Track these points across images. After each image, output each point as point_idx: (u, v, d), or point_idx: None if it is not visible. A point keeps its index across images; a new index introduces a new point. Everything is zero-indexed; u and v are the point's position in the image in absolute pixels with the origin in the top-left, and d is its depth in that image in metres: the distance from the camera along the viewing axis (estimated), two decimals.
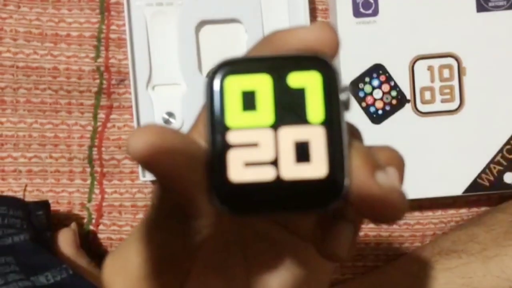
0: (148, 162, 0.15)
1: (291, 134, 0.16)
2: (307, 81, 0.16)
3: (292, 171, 0.16)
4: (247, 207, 0.16)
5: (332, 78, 0.16)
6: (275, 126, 0.16)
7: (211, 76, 0.16)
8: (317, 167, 0.16)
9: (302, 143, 0.16)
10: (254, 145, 0.16)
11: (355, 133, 0.20)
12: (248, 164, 0.16)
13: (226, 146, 0.16)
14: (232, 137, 0.16)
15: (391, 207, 0.16)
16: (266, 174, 0.16)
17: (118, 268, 0.18)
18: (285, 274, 0.20)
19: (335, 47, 0.17)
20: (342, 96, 0.16)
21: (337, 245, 0.18)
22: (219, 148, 0.16)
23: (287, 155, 0.16)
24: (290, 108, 0.16)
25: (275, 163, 0.16)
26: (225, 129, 0.16)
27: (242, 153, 0.16)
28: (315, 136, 0.16)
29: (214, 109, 0.16)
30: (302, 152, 0.16)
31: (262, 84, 0.16)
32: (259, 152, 0.16)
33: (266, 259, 0.20)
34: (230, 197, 0.16)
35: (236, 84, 0.16)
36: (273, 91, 0.16)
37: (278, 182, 0.16)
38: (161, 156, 0.15)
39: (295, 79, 0.16)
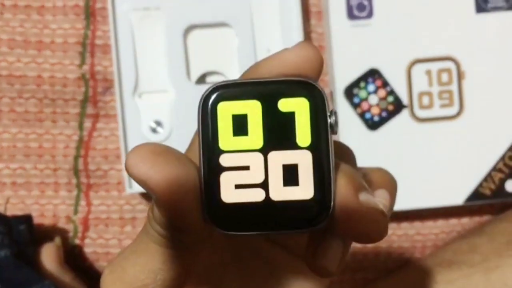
0: (156, 192, 0.16)
1: (279, 157, 0.17)
2: (296, 106, 0.17)
3: (280, 193, 0.17)
4: (238, 226, 0.17)
5: (319, 102, 0.17)
6: (265, 150, 0.17)
7: (203, 101, 0.17)
8: (304, 189, 0.17)
9: (290, 166, 0.17)
10: (245, 168, 0.17)
11: (347, 153, 0.21)
12: (239, 186, 0.17)
13: (219, 169, 0.17)
14: (224, 160, 0.17)
15: (371, 227, 0.17)
16: (256, 196, 0.17)
17: (115, 278, 0.19)
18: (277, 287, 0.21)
19: (319, 65, 0.18)
20: (330, 120, 0.17)
21: (327, 260, 0.19)
22: (212, 170, 0.17)
23: (276, 177, 0.17)
24: (279, 133, 0.17)
25: (265, 185, 0.17)
26: (218, 152, 0.17)
27: (233, 176, 0.17)
28: (303, 160, 0.17)
29: (208, 133, 0.17)
30: (290, 175, 0.17)
31: (252, 110, 0.17)
32: (250, 174, 0.17)
33: (261, 276, 0.21)
34: (222, 216, 0.17)
35: (228, 110, 0.17)
36: (263, 116, 0.17)
37: (268, 203, 0.17)
38: (170, 185, 0.16)
39: (284, 105, 0.17)
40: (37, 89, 0.41)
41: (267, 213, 0.17)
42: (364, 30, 0.39)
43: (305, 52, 0.18)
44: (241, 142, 0.17)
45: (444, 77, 0.40)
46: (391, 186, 0.20)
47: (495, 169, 0.39)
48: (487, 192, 0.40)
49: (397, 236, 0.42)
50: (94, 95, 0.41)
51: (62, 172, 0.41)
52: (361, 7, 0.39)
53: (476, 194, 0.39)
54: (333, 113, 0.17)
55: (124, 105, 0.39)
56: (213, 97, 0.17)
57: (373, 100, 0.40)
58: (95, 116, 0.41)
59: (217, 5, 0.39)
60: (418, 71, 0.39)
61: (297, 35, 0.39)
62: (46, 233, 0.40)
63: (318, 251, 0.19)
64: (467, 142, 0.39)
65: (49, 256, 0.37)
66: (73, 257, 0.41)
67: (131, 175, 0.17)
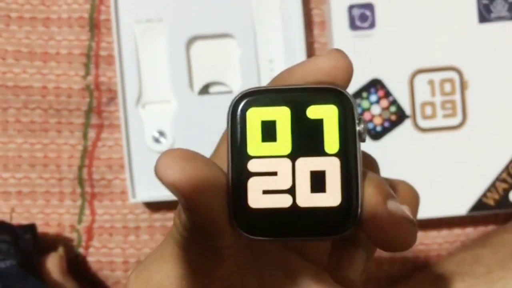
0: (185, 196, 0.16)
1: (307, 164, 0.17)
2: (325, 113, 0.17)
3: (307, 199, 0.17)
4: (264, 231, 0.17)
5: (348, 110, 0.17)
6: (293, 156, 0.17)
7: (233, 107, 0.18)
8: (331, 196, 0.17)
9: (318, 172, 0.17)
10: (273, 173, 0.17)
11: (372, 163, 0.21)
12: (266, 192, 0.17)
13: (247, 174, 0.17)
14: (252, 166, 0.17)
15: (401, 235, 0.17)
16: (283, 202, 0.17)
17: (141, 283, 0.19)
18: None
19: (349, 73, 0.18)
20: (359, 127, 0.17)
21: (350, 269, 0.19)
22: (240, 175, 0.17)
23: (303, 184, 0.17)
24: (307, 139, 0.17)
25: (292, 191, 0.17)
26: (247, 157, 0.17)
27: (261, 181, 0.17)
28: (330, 166, 0.17)
29: (237, 138, 0.17)
30: (318, 181, 0.17)
31: (281, 116, 0.17)
32: (277, 180, 0.17)
33: (279, 282, 0.21)
34: (248, 221, 0.17)
35: (257, 116, 0.17)
36: (292, 123, 0.17)
37: (294, 209, 0.17)
38: (198, 189, 0.16)
39: (313, 112, 0.17)
40: (42, 99, 0.42)
41: (294, 220, 0.17)
42: (367, 40, 0.39)
43: (336, 59, 0.18)
44: (270, 148, 0.17)
45: (447, 87, 0.39)
46: (414, 198, 0.20)
47: (499, 179, 0.39)
48: (491, 202, 0.39)
49: None
50: (99, 105, 0.42)
51: (66, 182, 0.42)
52: (363, 17, 0.39)
53: (480, 204, 0.39)
54: (362, 120, 0.17)
55: (127, 115, 0.39)
56: (242, 103, 0.17)
57: (376, 110, 0.40)
58: (100, 126, 0.42)
59: (219, 16, 0.40)
60: (421, 81, 0.39)
61: (299, 46, 0.39)
62: (50, 242, 0.41)
63: (342, 261, 0.19)
64: (470, 152, 0.39)
65: (53, 266, 0.38)
66: (77, 265, 0.41)
67: (160, 179, 0.17)
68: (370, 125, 0.40)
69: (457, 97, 0.39)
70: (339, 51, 0.18)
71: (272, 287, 0.21)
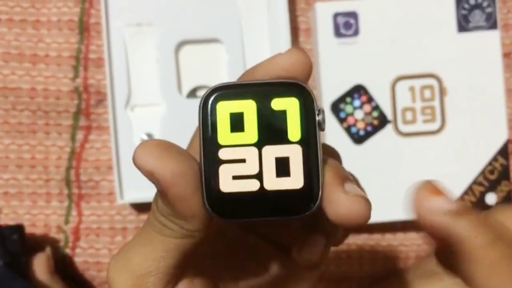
0: (161, 182, 0.18)
1: (273, 151, 0.19)
2: (287, 105, 0.19)
3: (273, 183, 0.19)
4: (235, 213, 0.19)
5: (308, 102, 0.19)
6: (259, 145, 0.19)
7: (204, 101, 0.19)
8: (295, 180, 0.19)
9: (282, 159, 0.19)
10: (242, 161, 0.19)
11: (332, 153, 0.23)
12: (236, 177, 0.19)
13: (218, 161, 0.19)
14: (222, 154, 0.19)
15: (356, 212, 0.18)
16: (251, 186, 0.19)
17: (121, 266, 0.20)
18: (267, 280, 0.23)
19: (308, 68, 0.20)
20: (318, 118, 0.19)
21: (311, 252, 0.22)
22: (211, 163, 0.19)
23: (270, 169, 0.19)
24: (272, 129, 0.19)
25: (259, 176, 0.19)
26: (217, 147, 0.19)
27: (231, 168, 0.19)
28: (294, 153, 0.19)
29: (208, 129, 0.19)
30: (283, 167, 0.19)
31: (248, 108, 0.19)
32: (246, 167, 0.19)
33: (247, 264, 0.23)
34: (221, 205, 0.19)
35: (226, 108, 0.19)
36: (258, 114, 0.19)
37: (262, 192, 0.19)
38: (173, 176, 0.18)
39: (277, 104, 0.19)
40: (31, 101, 0.42)
41: (262, 202, 0.19)
42: (350, 47, 0.41)
43: (295, 56, 0.19)
44: (238, 137, 0.19)
45: (427, 93, 0.41)
46: (359, 185, 0.23)
47: (475, 182, 0.41)
48: (468, 204, 0.41)
49: (381, 247, 0.43)
50: (87, 107, 0.42)
51: (54, 183, 0.42)
52: (347, 25, 0.41)
53: None
54: (321, 111, 0.19)
55: (116, 117, 0.40)
56: (212, 97, 0.19)
57: (359, 115, 0.41)
58: (88, 128, 0.42)
59: (208, 22, 0.41)
60: (402, 87, 0.41)
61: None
62: (37, 243, 0.41)
63: (304, 246, 0.21)
64: (448, 156, 0.41)
65: (40, 266, 0.38)
66: (64, 266, 0.42)
67: (138, 167, 0.18)
68: (353, 129, 0.41)
69: (436, 103, 0.41)
70: (298, 49, 0.20)
71: (242, 271, 0.23)
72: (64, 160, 0.42)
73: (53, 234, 0.42)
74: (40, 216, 0.42)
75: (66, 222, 0.42)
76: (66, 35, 0.42)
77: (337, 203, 0.18)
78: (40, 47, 0.42)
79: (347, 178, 0.19)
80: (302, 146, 0.19)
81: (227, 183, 0.19)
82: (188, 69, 0.41)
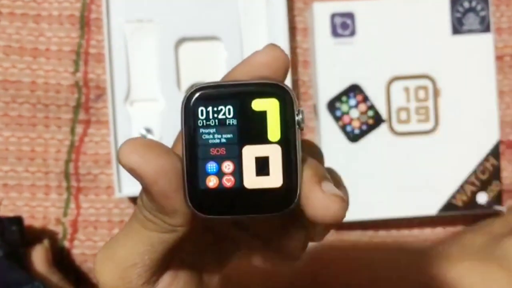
0: (144, 179, 0.19)
1: (252, 151, 0.19)
2: (268, 106, 0.19)
3: (253, 181, 0.19)
4: (215, 210, 0.19)
5: (288, 102, 0.19)
6: (240, 143, 0.19)
7: (186, 100, 0.19)
8: (274, 179, 0.19)
9: (262, 158, 0.19)
10: (223, 159, 0.19)
11: (313, 150, 0.24)
12: (217, 175, 0.19)
13: (200, 159, 0.19)
14: (204, 152, 0.19)
15: (332, 210, 0.19)
16: (231, 183, 0.19)
17: (107, 259, 0.21)
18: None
19: (285, 63, 0.20)
20: (298, 118, 0.19)
21: (291, 245, 0.22)
22: (194, 161, 0.19)
23: (249, 168, 0.19)
24: (252, 129, 0.19)
25: (239, 174, 0.19)
26: (199, 145, 0.19)
27: (212, 166, 0.19)
28: (273, 153, 0.19)
29: (190, 128, 0.19)
30: (262, 166, 0.19)
31: (229, 109, 0.19)
32: (227, 165, 0.19)
33: (235, 259, 0.24)
34: (202, 201, 0.19)
35: (208, 109, 0.19)
36: (239, 114, 0.19)
37: (242, 190, 0.19)
38: (155, 174, 0.18)
39: (257, 104, 0.19)
40: (31, 94, 0.42)
41: (242, 199, 0.19)
42: (347, 47, 0.41)
43: (272, 52, 0.20)
44: (220, 137, 0.19)
45: (421, 94, 0.42)
46: (341, 183, 0.24)
47: (467, 182, 0.42)
48: (460, 203, 0.42)
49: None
50: (87, 101, 0.43)
51: (53, 176, 0.42)
52: (344, 26, 0.41)
53: (449, 206, 0.42)
54: (301, 111, 0.20)
55: (115, 112, 0.41)
56: (195, 96, 0.19)
57: (354, 114, 0.42)
58: (87, 122, 0.43)
59: (208, 20, 0.41)
60: (397, 87, 0.42)
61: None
62: (36, 235, 0.41)
63: (284, 238, 0.22)
64: (441, 156, 0.42)
65: (38, 258, 0.38)
66: (62, 258, 0.42)
67: (123, 164, 0.19)
68: (349, 128, 0.42)
69: (430, 103, 0.42)
70: (275, 45, 0.20)
71: (226, 263, 0.24)
72: (63, 153, 0.43)
73: (52, 226, 0.42)
74: (39, 208, 0.42)
75: (65, 214, 0.43)
76: (67, 29, 0.43)
77: (314, 202, 0.19)
78: (41, 41, 0.42)
79: (324, 177, 0.20)
80: (281, 146, 0.19)
81: (208, 181, 0.19)
82: (188, 65, 0.42)
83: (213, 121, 0.19)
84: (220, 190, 0.19)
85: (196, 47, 0.42)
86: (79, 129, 0.43)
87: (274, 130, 0.19)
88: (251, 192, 0.19)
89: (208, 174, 0.19)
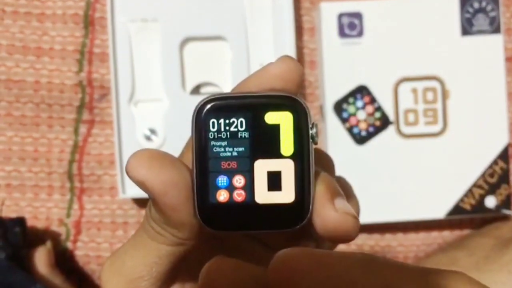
0: (152, 192, 0.18)
1: (265, 165, 0.19)
2: (281, 119, 0.19)
3: (264, 196, 0.19)
4: (225, 225, 0.19)
5: (302, 116, 0.19)
6: (252, 157, 0.19)
7: (197, 112, 0.19)
8: (286, 194, 0.19)
9: (274, 173, 0.19)
10: (234, 173, 0.19)
11: (326, 161, 0.23)
12: (228, 189, 0.19)
13: (210, 172, 0.19)
14: (215, 165, 0.19)
15: (344, 229, 0.19)
16: (242, 198, 0.19)
17: (114, 270, 0.21)
18: None
19: (299, 75, 0.20)
20: (311, 131, 0.19)
21: None
22: (204, 174, 0.19)
23: (261, 182, 0.19)
24: (265, 142, 0.19)
25: (251, 189, 0.19)
26: (210, 158, 0.19)
27: (223, 179, 0.19)
28: (286, 167, 0.19)
29: (201, 140, 0.19)
30: (274, 181, 0.19)
31: (242, 121, 0.19)
32: (238, 179, 0.19)
33: None
34: (211, 215, 0.19)
35: (219, 121, 0.19)
36: (252, 127, 0.19)
37: (253, 205, 0.19)
38: (164, 187, 0.18)
39: (270, 118, 0.19)
40: (35, 94, 0.42)
41: (252, 214, 0.19)
42: (354, 48, 0.41)
43: (285, 64, 0.20)
44: (232, 149, 0.19)
45: (429, 95, 0.41)
46: (352, 193, 0.23)
47: (475, 185, 0.41)
48: (468, 207, 0.41)
49: (380, 247, 0.43)
50: (91, 101, 0.42)
51: (56, 176, 0.42)
52: (352, 26, 0.41)
53: (457, 209, 0.41)
54: (314, 125, 0.19)
55: (119, 112, 0.40)
56: (206, 108, 0.19)
57: (361, 115, 0.41)
58: (91, 122, 0.42)
59: (213, 19, 0.41)
60: (405, 89, 0.41)
61: (290, 50, 0.41)
62: (38, 236, 0.41)
63: None
64: (449, 159, 0.41)
65: (41, 260, 0.38)
66: (65, 259, 0.42)
67: (130, 177, 0.18)
68: (355, 130, 0.41)
69: (438, 105, 0.41)
70: (288, 57, 0.20)
71: None
72: (67, 154, 0.42)
73: (55, 227, 0.42)
74: (42, 209, 0.42)
75: (68, 215, 0.42)
76: (71, 28, 0.42)
77: (326, 219, 0.19)
78: (44, 40, 0.42)
79: (338, 193, 0.20)
80: (294, 160, 0.19)
81: (218, 195, 0.19)
82: (192, 65, 0.41)
83: (225, 133, 0.19)
84: (231, 204, 0.19)
85: (201, 47, 0.41)
86: (83, 129, 0.42)
87: (287, 144, 0.19)
88: (262, 208, 0.19)
89: (218, 188, 0.19)
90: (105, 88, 0.42)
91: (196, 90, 0.41)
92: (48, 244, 0.39)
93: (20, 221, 0.39)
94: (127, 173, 0.19)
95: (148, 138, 0.40)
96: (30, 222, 0.41)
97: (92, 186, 0.42)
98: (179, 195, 0.18)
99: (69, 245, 0.42)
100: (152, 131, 0.41)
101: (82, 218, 0.42)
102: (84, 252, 0.42)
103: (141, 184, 0.18)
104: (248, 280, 0.17)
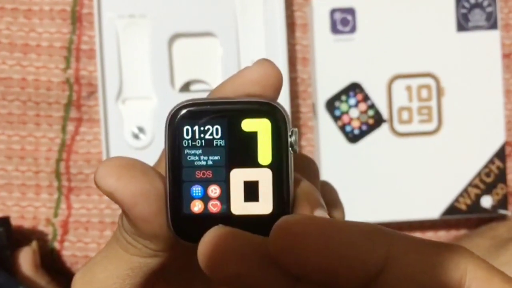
0: (121, 203, 0.17)
1: (241, 174, 0.18)
2: (258, 127, 0.18)
3: (241, 207, 0.18)
4: (200, 236, 0.18)
5: (280, 123, 0.18)
6: (228, 166, 0.18)
7: (170, 119, 0.18)
8: (263, 205, 0.18)
9: (251, 183, 0.18)
10: (209, 183, 0.18)
11: (308, 168, 0.22)
12: (202, 200, 0.18)
13: (184, 182, 0.18)
14: (189, 175, 0.18)
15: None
16: (217, 209, 0.18)
17: (86, 283, 0.20)
18: None
19: (278, 81, 0.19)
20: (291, 139, 0.18)
21: None
22: (177, 183, 0.18)
23: (237, 193, 0.18)
24: (242, 151, 0.18)
25: (226, 199, 0.18)
26: (184, 167, 0.18)
27: (197, 189, 0.18)
28: (263, 177, 0.18)
29: (175, 149, 0.18)
30: (251, 191, 0.18)
31: (217, 128, 0.18)
32: (213, 189, 0.18)
33: None
34: (185, 227, 0.18)
35: (194, 128, 0.18)
36: (228, 135, 0.18)
37: (229, 216, 0.18)
38: (133, 197, 0.17)
39: (247, 125, 0.18)
40: (21, 91, 0.41)
41: (227, 225, 0.18)
42: (347, 44, 0.40)
43: (263, 69, 0.19)
44: (206, 159, 0.18)
45: (424, 93, 0.40)
46: (337, 201, 0.22)
47: (471, 185, 0.40)
48: (463, 207, 0.40)
49: None
50: (78, 99, 0.42)
51: (43, 175, 0.41)
52: (344, 22, 0.40)
53: (452, 209, 0.40)
54: (294, 132, 0.18)
55: (107, 110, 0.39)
56: (180, 115, 0.18)
57: (354, 113, 0.40)
58: (79, 120, 0.42)
59: (203, 15, 0.40)
60: (399, 86, 0.40)
61: (281, 47, 0.40)
62: (25, 235, 0.40)
63: None
64: (444, 158, 0.40)
65: (25, 260, 0.37)
66: (52, 259, 0.41)
67: (98, 187, 0.17)
68: (348, 128, 0.40)
69: (433, 103, 0.40)
70: (267, 60, 0.19)
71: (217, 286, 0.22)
72: (55, 152, 0.41)
73: (42, 227, 0.41)
74: (29, 208, 0.41)
75: (55, 215, 0.41)
76: (58, 25, 0.41)
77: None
78: (31, 36, 0.41)
79: (318, 204, 0.19)
80: (272, 170, 0.18)
81: (192, 206, 0.18)
82: (182, 62, 0.40)
83: (200, 141, 0.18)
84: (205, 215, 0.18)
85: (190, 43, 0.40)
86: (70, 127, 0.42)
87: (265, 152, 0.18)
88: (239, 219, 0.18)
89: (192, 198, 0.18)
90: (93, 86, 0.41)
91: (185, 87, 0.41)
92: (34, 244, 0.39)
93: (4, 220, 0.38)
94: (95, 183, 0.17)
95: (136, 137, 0.40)
96: (17, 222, 0.41)
97: (79, 185, 0.41)
98: (150, 206, 0.17)
99: (56, 245, 0.42)
100: (140, 129, 0.40)
101: (70, 217, 0.42)
102: (71, 252, 0.41)
103: (109, 195, 0.17)
104: (248, 249, 0.16)
